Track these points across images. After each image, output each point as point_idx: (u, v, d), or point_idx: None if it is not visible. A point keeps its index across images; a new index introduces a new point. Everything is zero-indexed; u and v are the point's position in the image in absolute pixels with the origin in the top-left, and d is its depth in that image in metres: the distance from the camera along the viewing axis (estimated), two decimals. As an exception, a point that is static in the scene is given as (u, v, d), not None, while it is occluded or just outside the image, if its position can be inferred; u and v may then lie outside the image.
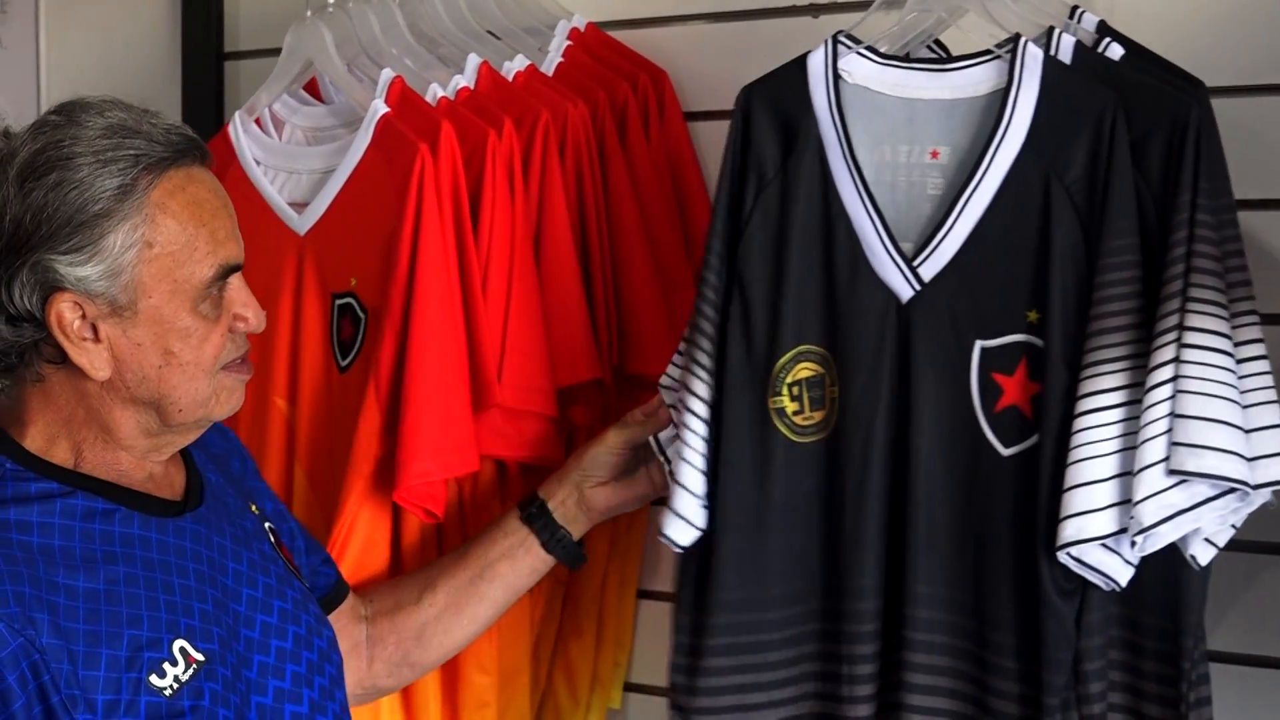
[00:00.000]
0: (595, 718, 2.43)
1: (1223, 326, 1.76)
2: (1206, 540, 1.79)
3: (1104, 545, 1.78)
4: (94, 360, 1.67)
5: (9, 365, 1.69)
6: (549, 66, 2.32)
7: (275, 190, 2.25)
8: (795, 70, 1.96)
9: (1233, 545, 1.87)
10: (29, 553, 1.62)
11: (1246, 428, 1.75)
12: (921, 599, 1.89)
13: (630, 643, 2.48)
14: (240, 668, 1.73)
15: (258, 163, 2.28)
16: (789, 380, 1.93)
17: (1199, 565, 1.80)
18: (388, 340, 2.08)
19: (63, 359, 1.68)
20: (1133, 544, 1.76)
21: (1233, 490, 1.75)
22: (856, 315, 1.91)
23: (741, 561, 1.94)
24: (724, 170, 1.97)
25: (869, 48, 1.96)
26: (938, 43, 2.07)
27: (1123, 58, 1.91)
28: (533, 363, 2.12)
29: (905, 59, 1.98)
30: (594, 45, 2.39)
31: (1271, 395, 1.79)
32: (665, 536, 1.96)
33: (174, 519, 1.75)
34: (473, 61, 2.27)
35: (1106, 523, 1.77)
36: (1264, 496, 1.78)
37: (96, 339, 1.67)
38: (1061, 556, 1.78)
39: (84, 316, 1.65)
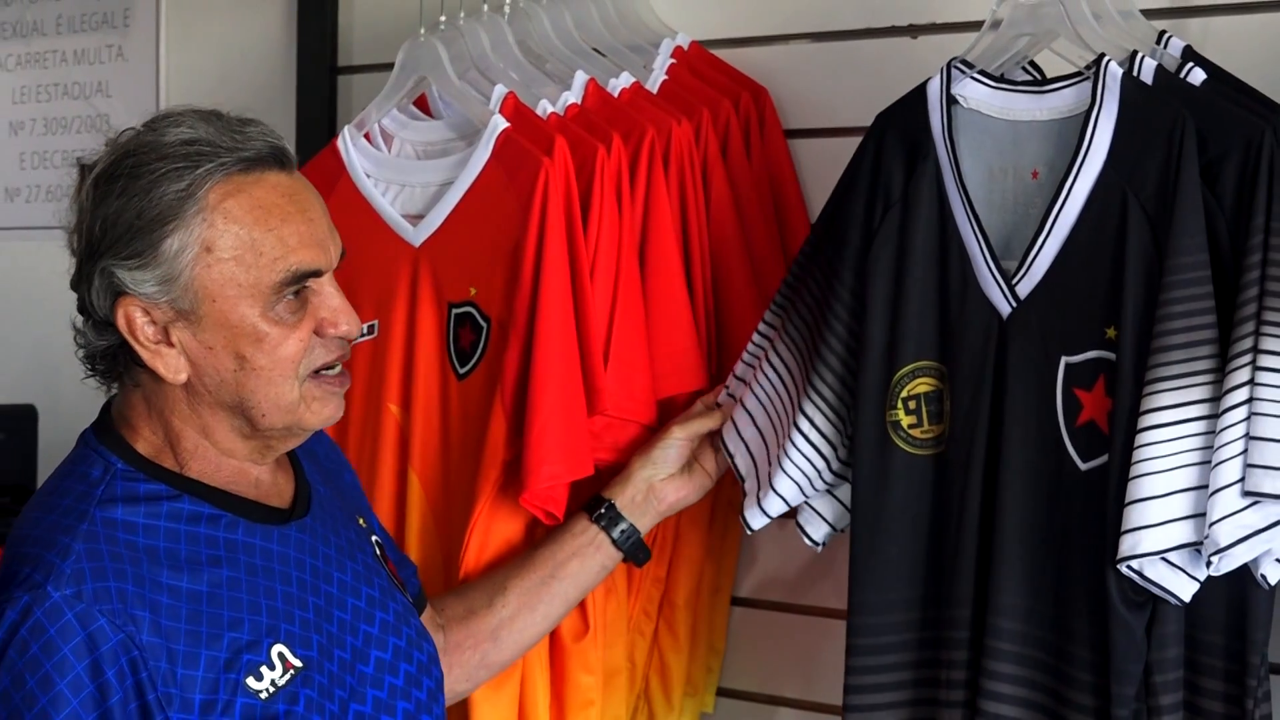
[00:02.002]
0: (688, 720, 2.48)
1: None
2: (1277, 560, 1.81)
3: (1165, 560, 1.80)
4: (168, 364, 1.68)
5: (109, 370, 1.74)
6: (654, 84, 2.37)
7: (388, 203, 2.31)
8: (917, 96, 2.03)
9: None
10: (134, 551, 1.64)
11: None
12: (1004, 609, 1.93)
13: (724, 648, 2.53)
14: (342, 675, 1.75)
15: (368, 175, 2.34)
16: (905, 395, 2.00)
17: (1269, 585, 1.82)
18: (514, 348, 2.14)
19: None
20: (1208, 564, 1.78)
21: None
22: (966, 332, 1.97)
23: (869, 565, 2.02)
24: (856, 192, 2.03)
25: (981, 71, 2.02)
26: (1033, 64, 2.11)
27: (1204, 83, 1.94)
28: (635, 372, 2.18)
29: (1010, 81, 2.03)
30: (697, 63, 2.44)
31: (1344, 418, 1.81)
32: (745, 519, 2.14)
33: (279, 527, 1.77)
34: (580, 78, 2.32)
35: (1163, 538, 1.79)
36: (1336, 517, 1.79)
37: (169, 343, 1.68)
38: (1123, 569, 1.81)
39: (153, 321, 1.67)
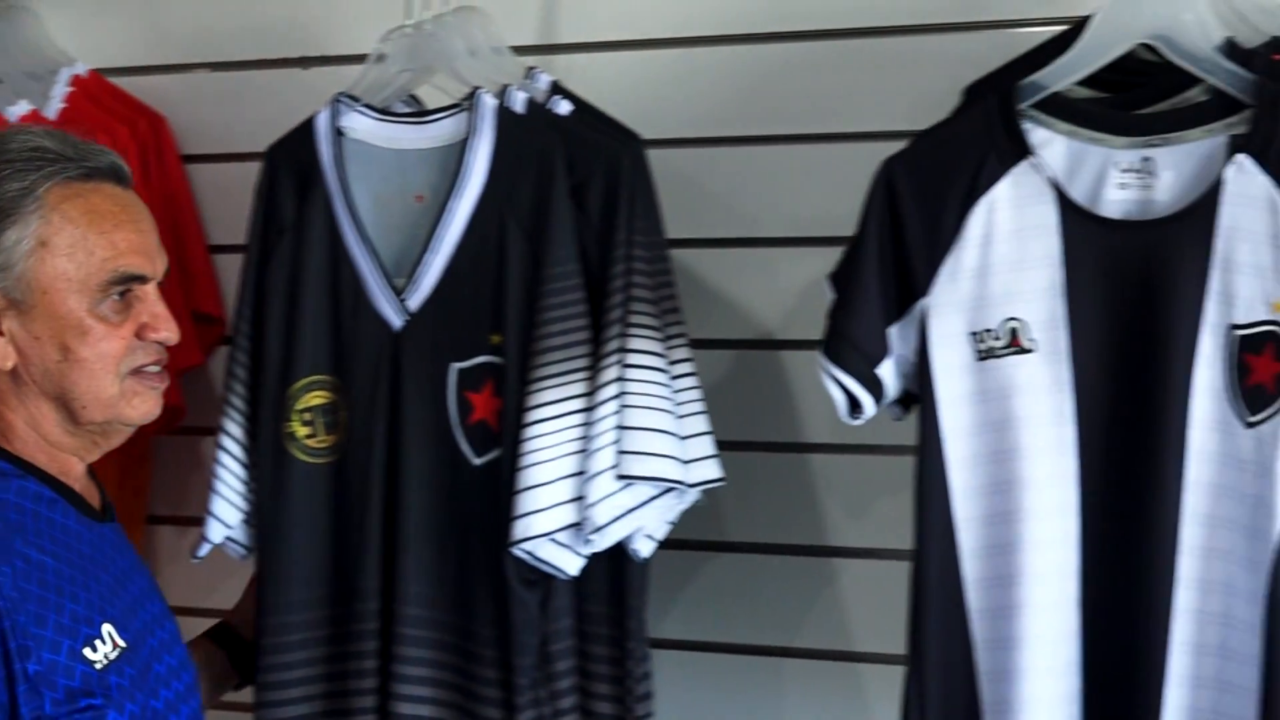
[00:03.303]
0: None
1: (658, 348, 2.01)
2: (647, 536, 2.04)
3: (553, 540, 1.99)
4: None
5: None
6: (52, 112, 2.43)
7: None
8: (305, 129, 2.16)
9: (676, 544, 2.14)
10: None
11: (682, 435, 2.02)
12: (411, 598, 2.08)
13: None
14: (146, 668, 1.79)
15: None
16: (300, 407, 2.12)
17: (640, 557, 2.05)
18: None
19: None
20: (588, 542, 1.99)
21: (671, 490, 2.00)
22: (358, 345, 2.11)
23: (271, 571, 2.12)
24: (253, 221, 2.15)
25: (367, 105, 2.17)
26: (412, 96, 2.28)
27: (571, 112, 2.15)
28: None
29: (394, 113, 2.19)
30: (96, 91, 2.51)
31: (701, 407, 2.07)
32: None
33: (98, 523, 1.83)
34: (-30, 106, 2.35)
35: (551, 521, 1.98)
36: (696, 494, 2.04)
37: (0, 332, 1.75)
38: (516, 551, 1.99)
39: None
